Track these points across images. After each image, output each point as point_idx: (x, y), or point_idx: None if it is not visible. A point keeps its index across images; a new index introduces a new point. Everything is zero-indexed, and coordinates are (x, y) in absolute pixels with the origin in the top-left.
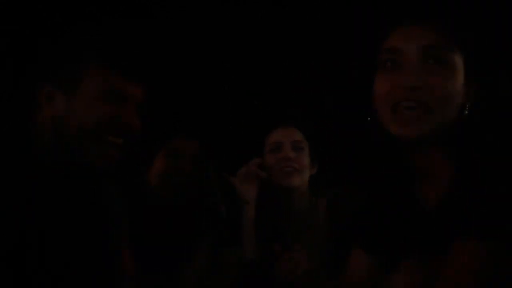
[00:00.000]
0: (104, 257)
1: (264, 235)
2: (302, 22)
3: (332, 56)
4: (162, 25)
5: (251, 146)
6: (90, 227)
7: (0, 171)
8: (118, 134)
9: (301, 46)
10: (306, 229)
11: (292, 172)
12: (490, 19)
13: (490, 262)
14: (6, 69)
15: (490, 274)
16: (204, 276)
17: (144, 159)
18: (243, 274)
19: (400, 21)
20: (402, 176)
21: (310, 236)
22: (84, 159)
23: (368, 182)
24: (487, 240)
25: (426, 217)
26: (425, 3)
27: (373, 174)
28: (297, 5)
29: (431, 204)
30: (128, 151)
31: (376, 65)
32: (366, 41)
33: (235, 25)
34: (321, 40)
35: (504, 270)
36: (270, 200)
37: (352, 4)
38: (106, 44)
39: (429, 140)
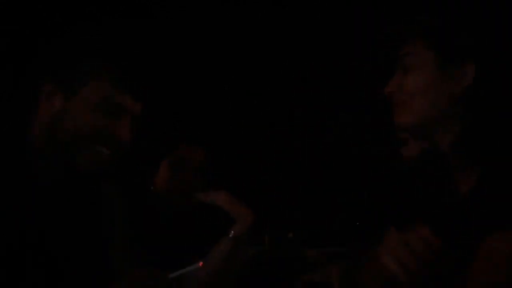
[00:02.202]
0: (101, 257)
1: None
2: (304, 25)
3: (333, 56)
4: (167, 37)
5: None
6: (87, 227)
7: None
8: (107, 145)
9: (302, 47)
10: None
11: None
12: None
13: None
14: (8, 66)
15: None
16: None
17: (148, 162)
18: (250, 269)
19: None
20: (438, 168)
21: None
22: (73, 162)
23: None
24: None
25: (458, 207)
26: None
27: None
28: (300, 7)
29: (464, 196)
30: (130, 154)
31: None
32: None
33: (236, 29)
34: (321, 40)
35: None
36: None
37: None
38: (112, 56)
39: (427, 132)
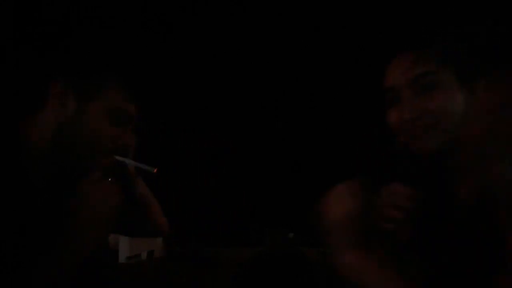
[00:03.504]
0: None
1: None
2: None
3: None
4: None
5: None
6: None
7: None
8: (115, 153)
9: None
10: None
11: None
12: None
13: None
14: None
15: None
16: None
17: None
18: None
19: (390, 57)
20: (444, 178)
21: None
22: (76, 168)
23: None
24: None
25: (463, 215)
26: (406, 34)
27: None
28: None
29: (470, 203)
30: None
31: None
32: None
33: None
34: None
35: None
36: None
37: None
38: (125, 68)
39: (448, 152)
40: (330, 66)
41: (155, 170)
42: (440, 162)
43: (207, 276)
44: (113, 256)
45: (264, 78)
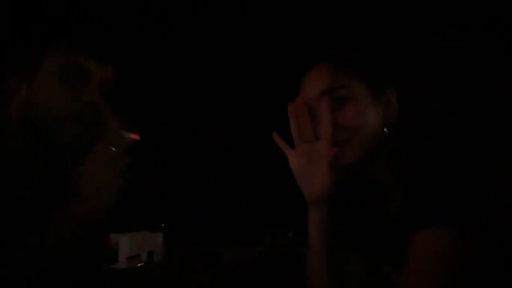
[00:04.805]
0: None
1: None
2: None
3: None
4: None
5: None
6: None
7: None
8: (86, 116)
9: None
10: None
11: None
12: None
13: (445, 248)
14: None
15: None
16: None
17: None
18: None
19: (302, 73)
20: (372, 189)
21: None
22: (54, 142)
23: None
24: (433, 229)
25: (392, 224)
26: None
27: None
28: None
29: (394, 213)
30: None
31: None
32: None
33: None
34: None
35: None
36: None
37: None
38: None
39: (367, 162)
40: None
41: (138, 137)
42: (357, 176)
43: (207, 276)
44: (113, 256)
45: (265, 78)
